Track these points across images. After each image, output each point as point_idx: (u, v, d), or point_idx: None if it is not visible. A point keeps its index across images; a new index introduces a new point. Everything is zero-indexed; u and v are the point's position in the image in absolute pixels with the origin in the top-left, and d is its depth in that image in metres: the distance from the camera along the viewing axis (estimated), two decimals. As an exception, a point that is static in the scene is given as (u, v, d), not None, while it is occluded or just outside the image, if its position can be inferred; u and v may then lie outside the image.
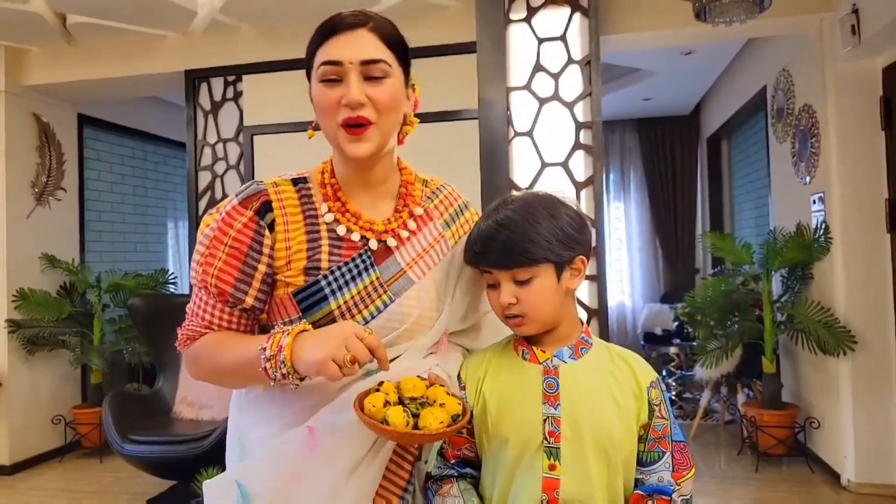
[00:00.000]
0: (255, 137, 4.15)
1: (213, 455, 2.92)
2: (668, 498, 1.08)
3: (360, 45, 1.08)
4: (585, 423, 1.06)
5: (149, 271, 5.06)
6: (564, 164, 3.02)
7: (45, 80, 4.38)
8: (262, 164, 4.13)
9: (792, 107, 4.12)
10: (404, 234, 1.17)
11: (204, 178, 4.25)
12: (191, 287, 1.19)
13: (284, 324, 1.11)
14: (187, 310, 1.15)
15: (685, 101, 6.67)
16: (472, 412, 1.04)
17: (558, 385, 1.08)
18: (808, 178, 3.88)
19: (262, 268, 1.09)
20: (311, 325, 1.05)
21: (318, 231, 1.13)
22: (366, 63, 1.08)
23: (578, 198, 2.98)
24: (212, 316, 1.11)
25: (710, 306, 4.09)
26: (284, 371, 0.97)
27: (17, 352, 4.27)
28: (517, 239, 1.07)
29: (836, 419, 3.59)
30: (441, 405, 0.98)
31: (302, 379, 0.99)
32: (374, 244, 1.13)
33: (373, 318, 1.10)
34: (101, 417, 3.68)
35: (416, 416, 0.96)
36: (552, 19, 3.08)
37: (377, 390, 0.99)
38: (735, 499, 3.48)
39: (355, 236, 1.13)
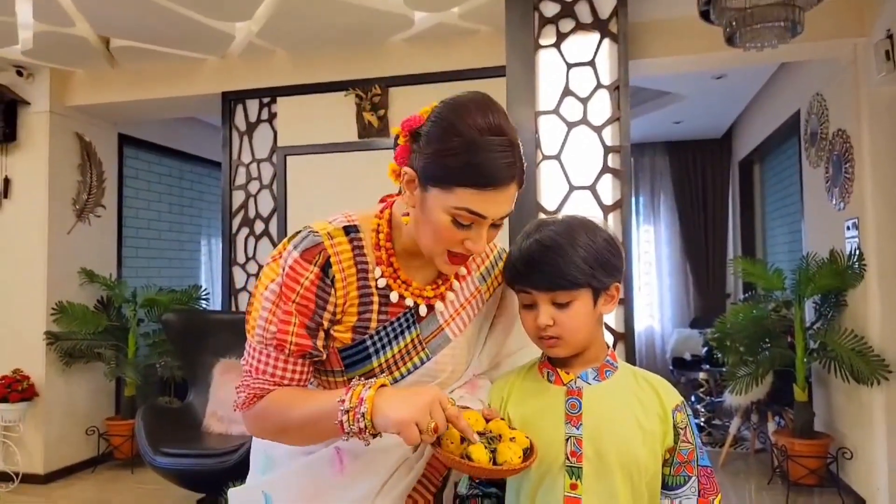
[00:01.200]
0: (288, 158, 4.24)
1: (241, 469, 2.95)
2: None
3: (506, 203, 1.03)
4: (608, 444, 1.06)
5: (182, 287, 5.16)
6: (592, 188, 3.04)
7: (88, 101, 4.54)
8: (295, 183, 4.22)
9: (826, 131, 4.08)
10: (450, 296, 1.18)
11: (238, 197, 4.35)
12: (241, 334, 1.19)
13: (325, 373, 1.13)
14: (247, 367, 1.11)
15: (717, 125, 6.63)
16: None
17: (581, 406, 1.09)
18: (842, 204, 3.83)
19: (326, 324, 1.09)
20: (389, 381, 1.03)
21: (369, 289, 1.12)
22: (502, 217, 1.05)
23: (606, 221, 2.98)
24: (283, 371, 1.08)
25: (741, 332, 4.04)
26: (363, 424, 0.94)
27: (55, 364, 4.39)
28: (562, 263, 1.07)
29: (870, 450, 3.50)
30: (512, 439, 0.99)
31: (375, 436, 0.96)
32: (423, 310, 1.14)
33: (409, 373, 1.13)
34: (134, 429, 3.76)
35: (492, 450, 0.97)
36: (581, 45, 3.11)
37: None
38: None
39: (409, 302, 1.13)
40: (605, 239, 1.12)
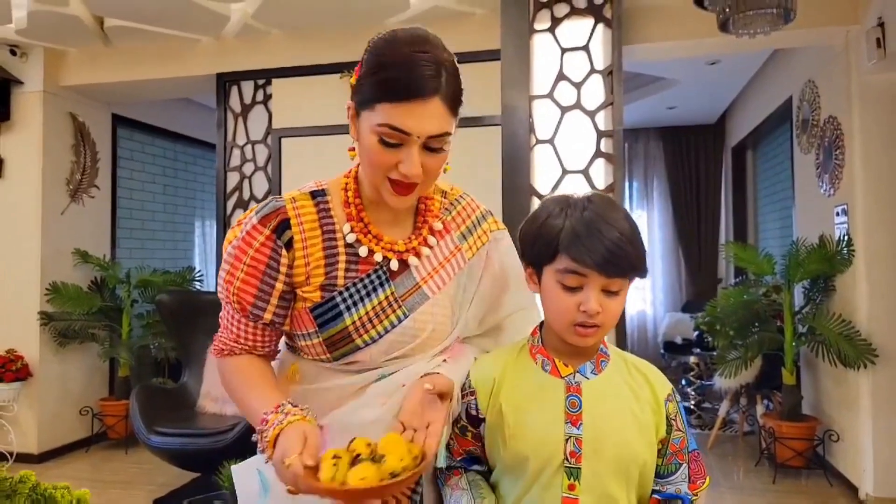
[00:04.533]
0: (282, 140, 4.24)
1: (235, 448, 3.00)
2: None
3: (430, 118, 1.02)
4: (607, 443, 1.05)
5: (176, 268, 5.18)
6: (585, 172, 3.06)
7: (82, 81, 4.52)
8: (290, 165, 4.23)
9: (817, 118, 4.11)
10: (425, 251, 1.18)
11: (232, 179, 4.35)
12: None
13: (302, 337, 1.16)
14: (220, 320, 1.20)
15: (710, 111, 6.65)
16: (422, 459, 1.00)
17: (581, 404, 1.07)
18: (831, 190, 3.87)
19: (279, 286, 1.12)
20: (313, 418, 1.05)
21: (335, 247, 1.14)
22: (431, 137, 1.03)
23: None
24: (238, 330, 1.16)
25: (731, 316, 4.08)
26: (263, 448, 1.03)
27: (49, 344, 4.40)
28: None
29: (856, 432, 3.57)
30: (380, 458, 0.97)
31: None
32: (395, 265, 1.15)
33: (386, 332, 1.13)
34: (128, 410, 3.78)
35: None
36: (576, 29, 3.12)
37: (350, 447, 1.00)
38: (751, 509, 3.47)
39: (377, 257, 1.14)
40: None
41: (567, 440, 1.05)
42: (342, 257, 1.13)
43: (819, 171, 4.07)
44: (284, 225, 1.11)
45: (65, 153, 4.62)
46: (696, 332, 5.54)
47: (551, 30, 3.14)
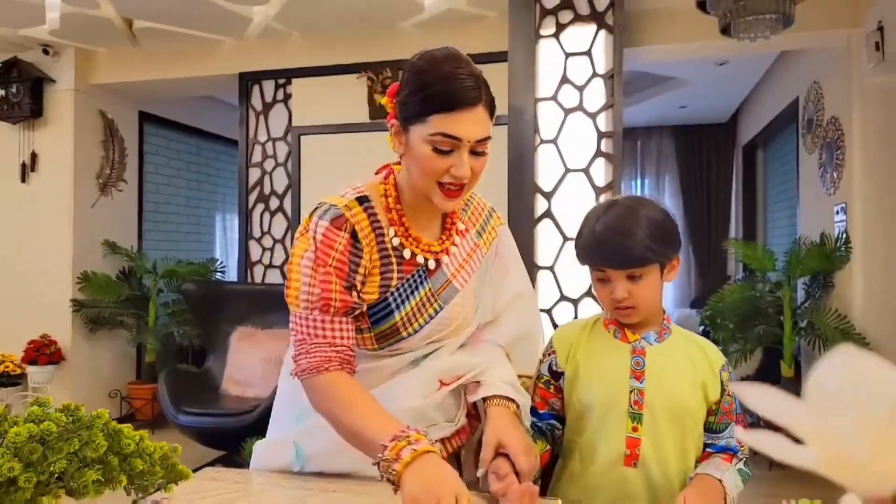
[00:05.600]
0: (302, 137, 4.43)
1: (258, 427, 3.18)
2: (734, 454, 1.31)
3: (477, 124, 1.14)
4: (665, 396, 1.26)
5: (199, 260, 5.39)
6: (586, 171, 3.21)
7: (111, 80, 4.74)
8: (308, 162, 4.41)
9: (821, 119, 4.21)
10: (454, 250, 1.31)
11: (254, 175, 4.55)
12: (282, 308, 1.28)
13: (357, 332, 1.24)
14: (300, 336, 1.19)
15: (722, 110, 6.73)
16: None
17: (644, 363, 1.28)
18: (832, 189, 3.98)
19: (358, 285, 1.22)
20: (433, 443, 1.06)
21: (387, 251, 1.24)
22: (478, 141, 1.16)
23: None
24: (333, 331, 1.18)
25: (733, 310, 4.21)
26: (391, 479, 1.02)
27: (80, 330, 4.64)
28: (633, 244, 1.22)
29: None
30: None
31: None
32: (432, 264, 1.28)
33: (427, 323, 1.28)
34: (154, 393, 3.99)
35: None
36: (579, 35, 3.27)
37: None
38: (748, 494, 3.59)
39: (420, 258, 1.26)
40: (665, 215, 1.28)
41: (632, 391, 1.27)
42: (393, 259, 1.25)
43: (821, 170, 4.17)
44: (353, 230, 1.20)
45: (95, 149, 4.84)
46: (702, 327, 5.66)
47: (556, 35, 3.29)
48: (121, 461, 0.87)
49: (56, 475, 0.78)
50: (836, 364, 0.21)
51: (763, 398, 0.22)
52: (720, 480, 1.25)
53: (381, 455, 1.03)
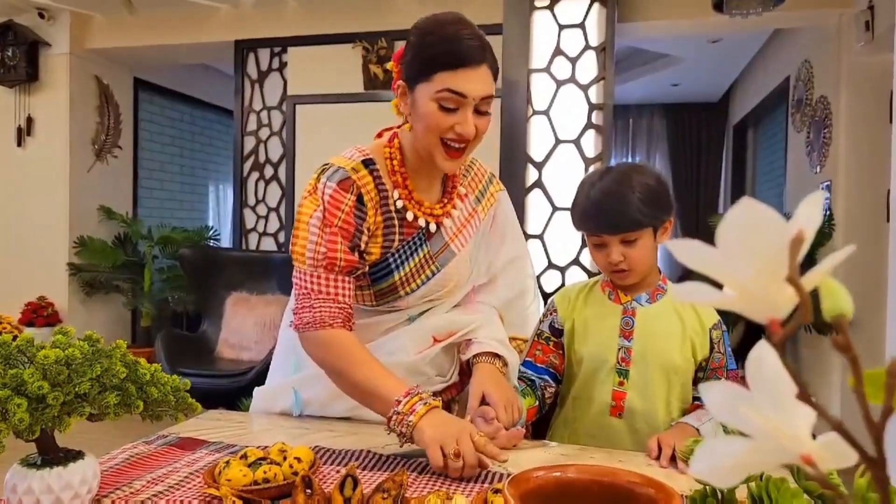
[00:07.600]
0: (297, 106, 4.46)
1: (252, 388, 3.28)
2: None
3: (481, 82, 1.18)
4: (651, 353, 1.34)
5: (193, 227, 5.43)
6: (576, 142, 3.28)
7: (106, 45, 4.73)
8: (303, 131, 4.45)
9: (810, 97, 4.27)
10: (455, 212, 1.36)
11: (249, 143, 4.58)
12: (290, 269, 1.29)
13: (357, 289, 1.30)
14: (304, 291, 1.23)
15: (714, 88, 6.76)
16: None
17: (633, 323, 1.36)
18: (818, 167, 4.05)
19: (362, 245, 1.26)
20: (434, 399, 1.13)
21: (390, 213, 1.28)
22: (482, 99, 1.20)
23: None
24: (336, 288, 1.23)
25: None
26: (405, 431, 1.09)
27: (77, 293, 4.70)
28: (626, 208, 1.27)
29: (826, 395, 3.81)
30: (257, 462, 0.98)
31: (408, 440, 1.10)
32: (433, 227, 1.33)
33: (424, 284, 1.34)
34: (150, 357, 4.03)
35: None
36: (573, 7, 3.31)
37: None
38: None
39: (421, 221, 1.30)
40: (657, 180, 1.33)
41: (620, 349, 1.36)
42: (396, 221, 1.29)
43: (809, 148, 4.24)
44: (359, 192, 1.25)
45: (90, 114, 4.85)
46: (689, 302, 5.76)
47: (550, 7, 3.33)
48: (137, 389, 0.95)
49: (80, 397, 0.86)
50: (738, 213, 0.29)
51: (689, 251, 0.30)
52: (697, 430, 1.32)
53: (395, 409, 1.10)
